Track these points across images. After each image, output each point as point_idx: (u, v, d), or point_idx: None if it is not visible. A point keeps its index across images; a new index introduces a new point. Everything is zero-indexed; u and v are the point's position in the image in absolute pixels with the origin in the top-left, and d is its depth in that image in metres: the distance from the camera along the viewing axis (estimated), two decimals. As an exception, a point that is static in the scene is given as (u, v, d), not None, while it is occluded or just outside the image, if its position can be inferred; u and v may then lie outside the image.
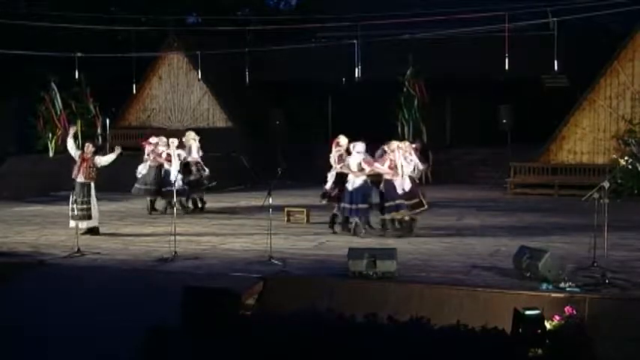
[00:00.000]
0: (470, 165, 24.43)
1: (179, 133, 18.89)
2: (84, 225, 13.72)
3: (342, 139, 14.32)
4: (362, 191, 13.62)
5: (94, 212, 14.03)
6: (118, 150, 14.49)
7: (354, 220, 13.81)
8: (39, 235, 14.32)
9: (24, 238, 14.07)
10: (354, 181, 13.63)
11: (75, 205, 13.27)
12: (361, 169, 13.63)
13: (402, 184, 13.42)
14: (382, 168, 13.56)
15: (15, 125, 26.72)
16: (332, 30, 26.33)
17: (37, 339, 9.15)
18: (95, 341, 8.96)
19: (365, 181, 13.68)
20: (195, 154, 17.44)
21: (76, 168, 13.91)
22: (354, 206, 13.63)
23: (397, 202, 13.44)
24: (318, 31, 27.60)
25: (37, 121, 24.58)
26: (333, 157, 14.30)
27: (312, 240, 13.51)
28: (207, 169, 17.52)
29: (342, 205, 13.81)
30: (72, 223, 13.33)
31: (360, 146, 13.78)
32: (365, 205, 13.66)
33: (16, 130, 26.74)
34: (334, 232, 14.07)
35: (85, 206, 13.66)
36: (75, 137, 14.14)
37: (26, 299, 10.46)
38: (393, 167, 13.47)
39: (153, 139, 17.24)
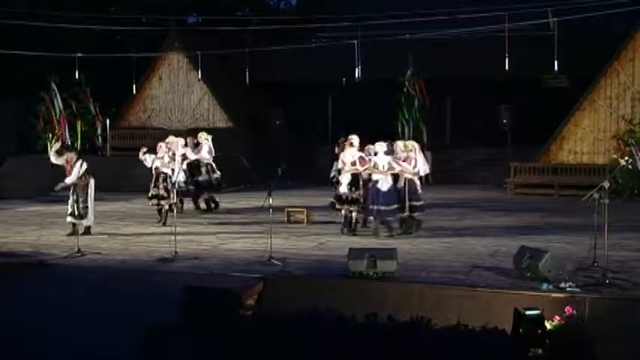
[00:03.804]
0: (470, 165, 24.46)
1: (180, 133, 18.88)
2: (83, 222, 13.98)
3: (356, 139, 13.93)
4: (394, 191, 13.54)
5: (89, 212, 14.17)
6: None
7: (389, 219, 13.65)
8: (39, 235, 14.31)
9: (24, 238, 14.06)
10: (386, 182, 13.44)
11: (75, 205, 13.94)
12: (389, 169, 13.48)
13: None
14: (409, 168, 13.56)
15: (15, 125, 26.72)
16: (332, 30, 26.36)
17: (37, 339, 9.14)
18: (95, 341, 8.95)
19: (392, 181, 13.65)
20: (207, 155, 17.10)
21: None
22: (389, 207, 13.48)
23: (422, 202, 13.78)
24: (318, 31, 27.64)
25: (37, 122, 24.58)
26: (348, 159, 13.73)
27: (312, 240, 13.49)
28: (218, 172, 17.25)
29: (376, 207, 13.43)
30: (68, 219, 14.03)
31: (382, 146, 13.68)
32: (397, 205, 13.61)
33: (16, 130, 26.75)
34: (353, 234, 13.79)
35: (81, 205, 13.97)
36: (58, 152, 14.74)
37: (26, 299, 10.45)
38: (414, 167, 13.60)
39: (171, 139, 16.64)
